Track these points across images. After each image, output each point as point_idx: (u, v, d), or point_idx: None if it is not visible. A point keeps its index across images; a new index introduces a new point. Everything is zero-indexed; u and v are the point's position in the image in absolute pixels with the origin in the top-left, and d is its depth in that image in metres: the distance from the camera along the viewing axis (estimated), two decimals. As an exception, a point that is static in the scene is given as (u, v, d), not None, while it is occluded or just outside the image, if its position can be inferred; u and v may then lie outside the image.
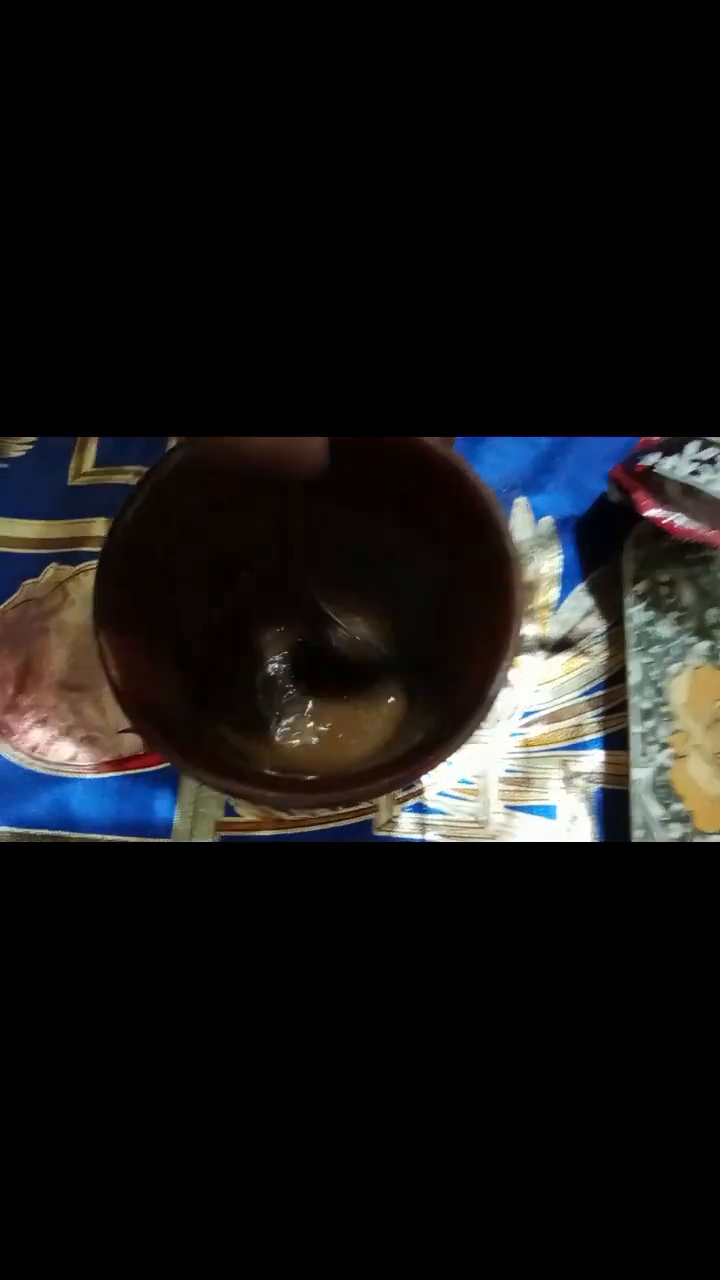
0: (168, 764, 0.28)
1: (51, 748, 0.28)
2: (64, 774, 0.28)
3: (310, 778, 0.18)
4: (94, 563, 0.31)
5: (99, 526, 0.32)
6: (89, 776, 0.28)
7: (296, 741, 0.27)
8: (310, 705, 0.28)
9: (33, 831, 0.28)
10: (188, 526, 0.20)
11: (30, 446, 0.33)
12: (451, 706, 0.18)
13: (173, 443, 0.32)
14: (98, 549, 0.31)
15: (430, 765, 0.17)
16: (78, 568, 0.31)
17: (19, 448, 0.33)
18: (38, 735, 0.29)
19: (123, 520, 0.20)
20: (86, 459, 0.33)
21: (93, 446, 0.33)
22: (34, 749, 0.28)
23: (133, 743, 0.29)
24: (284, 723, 0.28)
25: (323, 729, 0.28)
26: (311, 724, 0.28)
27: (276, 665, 0.28)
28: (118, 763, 0.28)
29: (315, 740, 0.27)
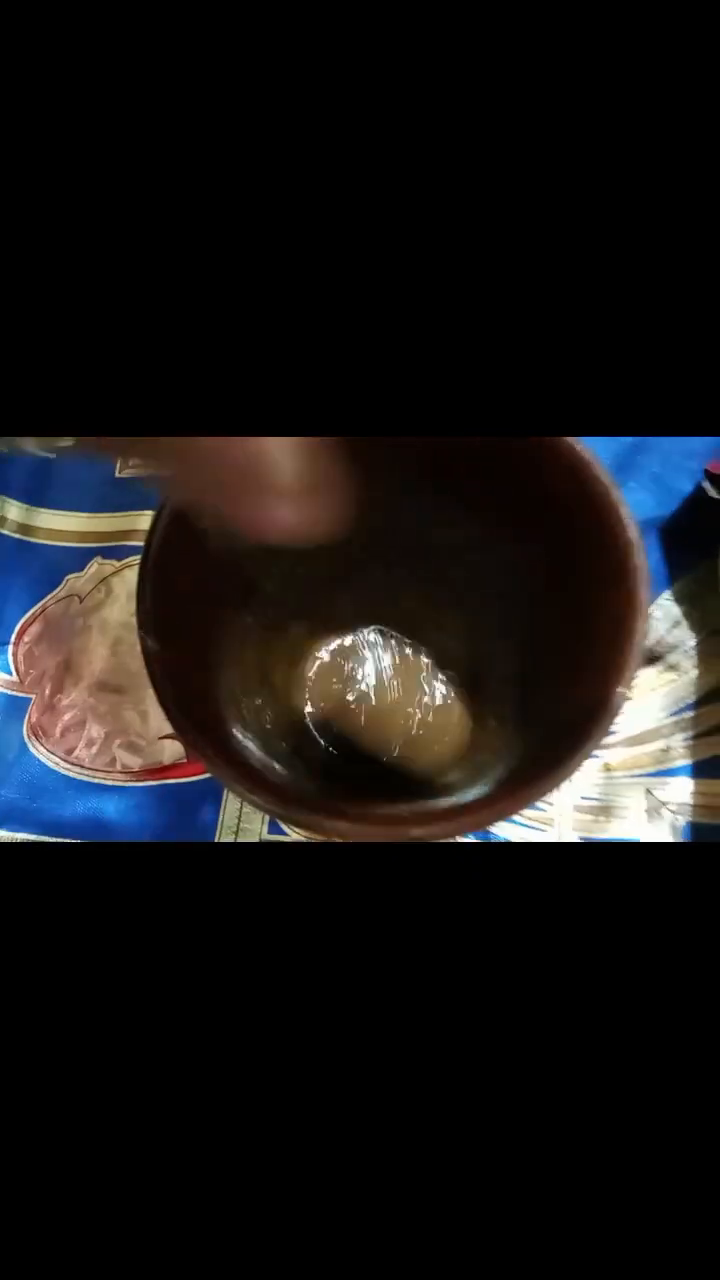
0: (209, 774, 0.26)
1: (89, 752, 0.27)
2: (100, 780, 0.26)
3: (383, 810, 0.16)
4: (138, 557, 0.30)
5: (144, 521, 0.30)
6: (127, 785, 0.26)
7: (355, 751, 0.25)
8: (359, 717, 0.25)
9: (68, 841, 0.26)
10: (211, 543, 0.18)
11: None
12: (556, 725, 0.16)
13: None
14: (142, 544, 0.30)
15: (537, 795, 0.14)
16: (123, 562, 0.29)
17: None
18: (74, 738, 0.27)
19: (155, 529, 0.18)
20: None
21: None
22: (70, 752, 0.27)
23: (174, 750, 0.27)
24: (333, 738, 0.25)
25: (387, 747, 0.25)
26: (371, 733, 0.25)
27: (322, 682, 0.26)
28: (158, 771, 0.26)
29: (367, 752, 0.25)
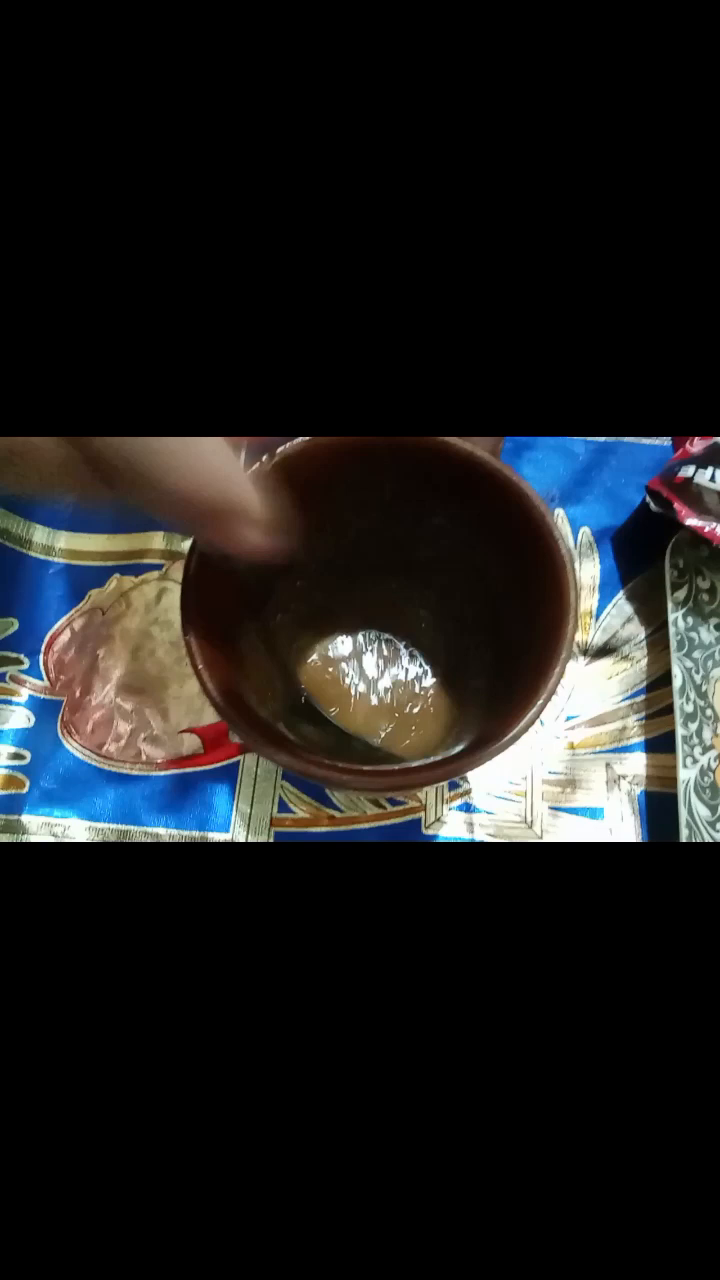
0: (225, 762, 0.30)
1: (116, 746, 0.30)
2: (128, 771, 0.30)
3: (374, 768, 0.20)
4: (154, 573, 0.33)
5: (157, 540, 0.34)
6: (152, 774, 0.30)
7: (349, 734, 0.28)
8: (357, 706, 0.29)
9: (100, 825, 0.29)
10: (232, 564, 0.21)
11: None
12: (509, 701, 0.19)
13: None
14: (157, 561, 0.33)
15: (484, 759, 0.18)
16: (140, 578, 0.33)
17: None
18: (103, 734, 0.30)
19: (191, 553, 0.21)
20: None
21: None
22: (100, 746, 0.30)
23: (192, 742, 0.30)
24: (335, 723, 0.29)
25: (375, 730, 0.29)
26: (362, 720, 0.29)
27: (323, 672, 0.30)
28: (178, 761, 0.30)
29: (364, 735, 0.29)
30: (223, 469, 0.16)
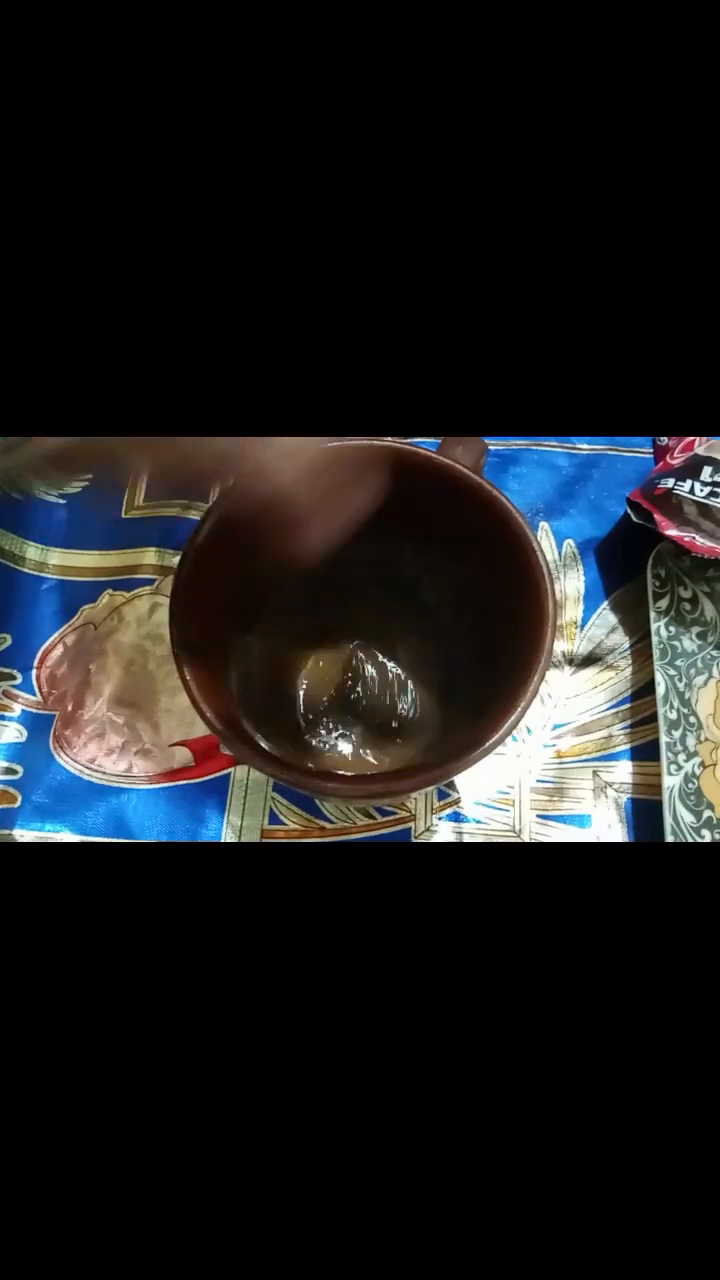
0: (216, 775, 0.30)
1: (108, 760, 0.30)
2: (119, 785, 0.30)
3: (361, 774, 0.20)
4: (145, 588, 0.34)
5: (150, 555, 0.34)
6: (143, 788, 0.30)
7: (335, 753, 0.29)
8: (347, 717, 0.29)
9: (93, 839, 0.29)
10: (230, 564, 0.22)
11: (86, 484, 0.36)
12: (492, 707, 0.20)
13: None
14: (149, 576, 0.34)
15: (469, 763, 0.18)
16: (131, 594, 0.33)
17: (75, 485, 0.36)
18: (95, 748, 0.31)
19: (186, 555, 0.22)
20: (138, 494, 0.36)
21: (143, 484, 0.36)
22: (92, 761, 0.30)
23: (183, 756, 0.30)
24: (324, 736, 0.29)
25: (360, 740, 0.29)
26: (350, 735, 0.29)
27: (312, 685, 0.30)
28: (169, 774, 0.30)
29: (351, 751, 0.29)
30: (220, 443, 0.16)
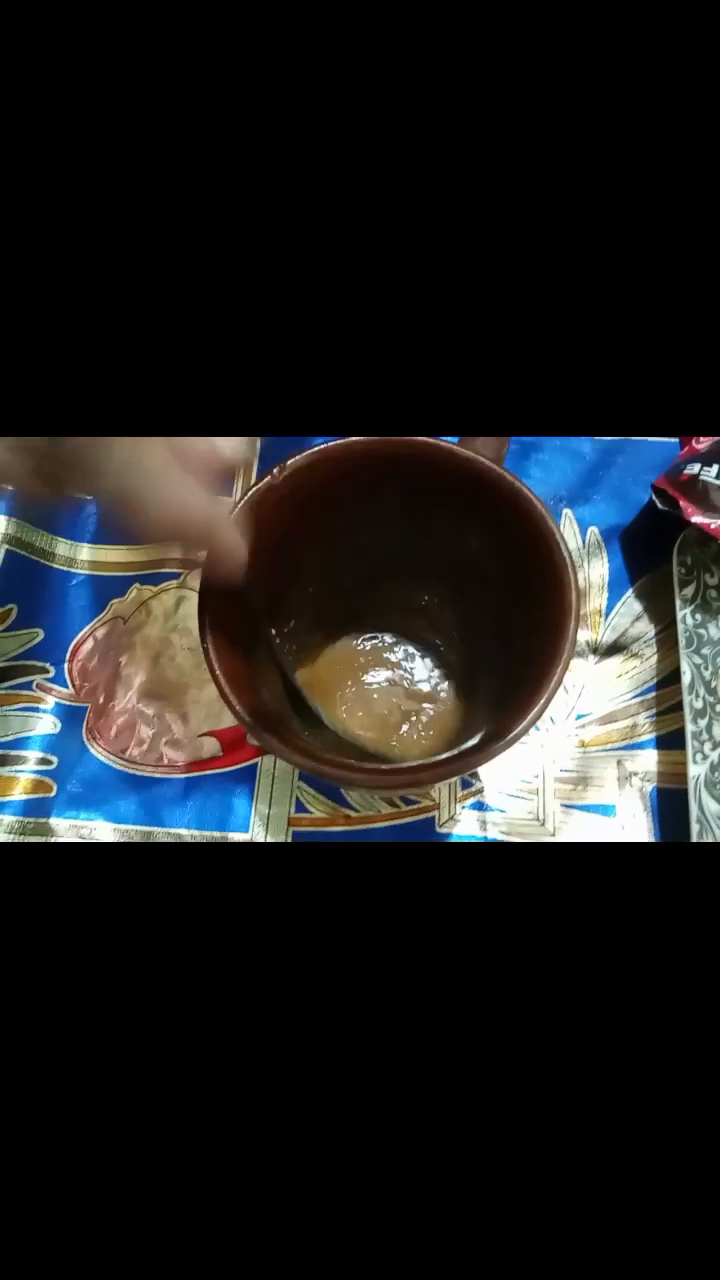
0: (244, 764, 0.31)
1: (140, 750, 0.31)
2: (151, 774, 0.31)
3: (386, 765, 0.20)
4: (172, 582, 0.34)
5: (175, 550, 0.35)
6: (173, 777, 0.31)
7: (360, 741, 0.29)
8: (372, 706, 0.30)
9: (124, 826, 0.30)
10: (256, 556, 0.22)
11: (113, 480, 0.37)
12: (512, 703, 0.20)
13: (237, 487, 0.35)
14: (175, 570, 0.34)
15: (493, 754, 0.18)
16: (159, 588, 0.34)
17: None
18: (126, 739, 0.31)
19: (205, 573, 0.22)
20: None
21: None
22: (124, 751, 0.31)
23: (211, 746, 0.31)
24: (349, 724, 0.30)
25: (384, 729, 0.29)
26: (374, 724, 0.29)
27: (337, 675, 0.30)
28: (198, 764, 0.31)
29: (376, 739, 0.29)
30: (202, 507, 0.17)
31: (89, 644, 0.33)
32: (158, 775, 0.31)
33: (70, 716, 0.32)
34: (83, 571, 0.34)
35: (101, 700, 0.32)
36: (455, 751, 0.21)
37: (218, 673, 0.20)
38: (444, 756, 0.20)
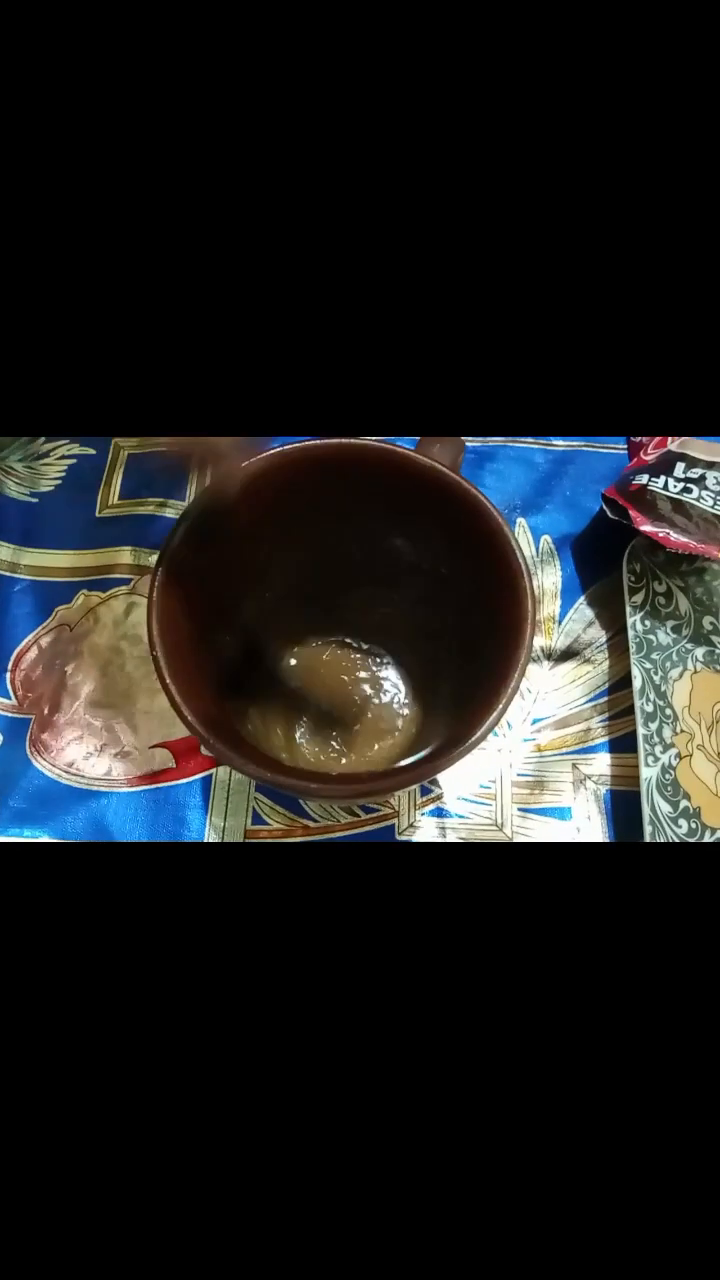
0: (197, 776, 0.30)
1: (87, 763, 0.30)
2: (99, 788, 0.30)
3: (344, 774, 0.20)
4: (122, 588, 0.33)
5: (125, 555, 0.34)
6: (123, 790, 0.30)
7: (317, 749, 0.29)
8: (330, 715, 0.29)
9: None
10: (208, 564, 0.22)
11: (59, 481, 0.35)
12: (472, 704, 0.20)
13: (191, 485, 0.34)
14: (125, 575, 0.33)
15: (452, 760, 0.18)
16: (107, 594, 0.33)
17: (47, 483, 0.36)
18: (74, 751, 0.30)
19: (166, 552, 0.21)
20: (112, 492, 0.35)
21: (118, 481, 0.35)
22: (70, 765, 0.30)
23: (163, 757, 0.30)
24: (304, 732, 0.29)
25: (342, 736, 0.29)
26: (332, 732, 0.29)
27: (296, 681, 0.30)
28: (149, 776, 0.30)
29: (335, 747, 0.29)
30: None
31: (33, 652, 0.32)
32: (106, 789, 0.30)
33: (12, 729, 0.30)
34: (26, 577, 0.33)
35: (46, 711, 0.31)
36: (415, 759, 0.21)
37: (168, 680, 0.19)
38: (404, 764, 0.20)
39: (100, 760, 0.30)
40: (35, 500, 0.35)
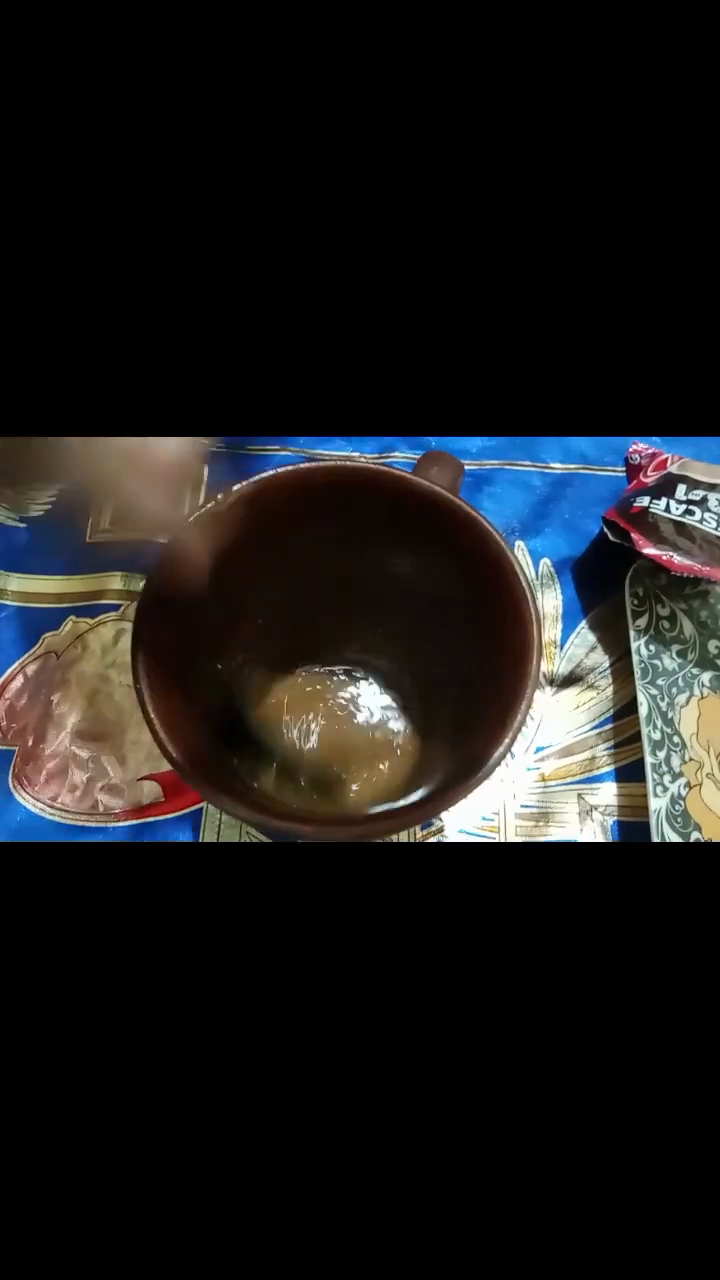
0: (188, 810, 0.29)
1: (72, 797, 0.29)
2: (85, 824, 0.28)
3: (339, 815, 0.19)
4: (111, 614, 0.32)
5: (115, 581, 0.33)
6: (110, 825, 0.28)
7: (312, 784, 0.28)
8: (322, 744, 0.28)
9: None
10: (197, 591, 0.21)
11: (48, 506, 0.35)
12: (474, 742, 0.19)
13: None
14: (114, 602, 0.32)
15: (455, 799, 0.17)
16: (96, 620, 0.32)
17: (37, 508, 0.35)
18: (58, 785, 0.29)
19: (152, 580, 0.21)
20: (103, 518, 0.34)
21: (109, 506, 0.35)
22: (54, 798, 0.29)
23: (151, 791, 0.29)
24: (301, 767, 0.28)
25: (337, 769, 0.28)
26: (327, 763, 0.28)
27: (287, 714, 0.29)
28: (138, 811, 0.28)
29: (330, 782, 0.28)
30: (157, 509, 0.17)
31: (18, 681, 0.31)
32: (93, 824, 0.28)
33: (-5, 761, 0.29)
34: (12, 603, 0.32)
35: (30, 743, 0.29)
36: (417, 798, 0.20)
37: (151, 715, 0.18)
38: (404, 804, 0.19)
39: (86, 794, 0.29)
40: (23, 525, 0.34)
